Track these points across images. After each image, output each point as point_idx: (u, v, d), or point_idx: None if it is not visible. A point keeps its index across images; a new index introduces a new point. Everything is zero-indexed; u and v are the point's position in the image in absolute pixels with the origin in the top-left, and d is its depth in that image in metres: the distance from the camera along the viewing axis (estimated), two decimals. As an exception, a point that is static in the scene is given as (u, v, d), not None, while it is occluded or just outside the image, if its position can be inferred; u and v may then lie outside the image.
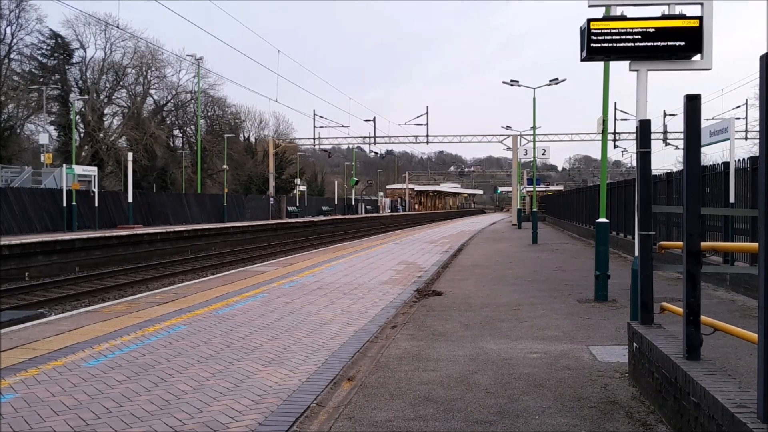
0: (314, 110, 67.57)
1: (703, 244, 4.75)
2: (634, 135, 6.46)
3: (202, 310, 9.77)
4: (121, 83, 61.63)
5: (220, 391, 5.57)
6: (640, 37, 7.83)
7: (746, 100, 54.95)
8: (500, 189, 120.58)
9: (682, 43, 7.77)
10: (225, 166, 54.67)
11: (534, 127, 33.64)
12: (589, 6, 8.17)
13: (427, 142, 61.31)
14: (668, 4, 7.91)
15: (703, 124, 6.30)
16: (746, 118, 54.55)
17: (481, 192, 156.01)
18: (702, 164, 10.74)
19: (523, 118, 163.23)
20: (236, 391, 5.60)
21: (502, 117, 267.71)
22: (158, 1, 28.90)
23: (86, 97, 52.69)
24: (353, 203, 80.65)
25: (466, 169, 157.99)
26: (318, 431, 4.72)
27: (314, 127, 60.46)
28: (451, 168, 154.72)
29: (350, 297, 11.21)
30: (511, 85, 34.04)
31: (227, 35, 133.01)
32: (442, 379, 6.04)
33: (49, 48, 55.66)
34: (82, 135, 55.79)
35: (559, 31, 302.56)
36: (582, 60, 8.26)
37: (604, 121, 11.67)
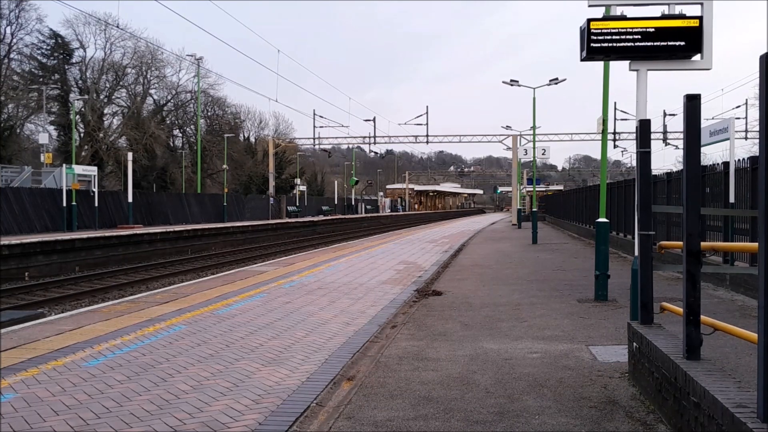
0: (314, 110, 67.66)
1: (703, 244, 4.75)
2: (634, 135, 6.46)
3: (202, 310, 9.77)
4: (121, 83, 61.61)
5: (220, 391, 5.57)
6: (639, 37, 7.83)
7: (746, 100, 55.05)
8: (500, 189, 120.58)
9: (682, 43, 7.77)
10: (225, 166, 54.64)
11: (534, 127, 33.64)
12: (589, 6, 8.17)
13: (427, 142, 61.41)
14: (668, 4, 7.91)
15: (703, 124, 6.30)
16: (746, 118, 54.61)
17: (481, 192, 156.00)
18: (702, 164, 10.75)
19: (523, 117, 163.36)
20: (236, 390, 5.60)
21: (502, 117, 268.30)
22: (158, 1, 28.92)
23: (86, 96, 52.67)
24: (353, 203, 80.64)
25: (466, 169, 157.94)
26: (318, 431, 4.72)
27: (314, 126, 60.59)
28: (451, 168, 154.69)
29: (350, 297, 11.21)
30: (511, 85, 34.04)
31: (227, 35, 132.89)
32: (442, 379, 6.03)
33: (48, 48, 55.64)
34: (82, 135, 55.76)
35: (559, 31, 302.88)
36: (582, 60, 8.26)
37: (604, 121, 11.67)
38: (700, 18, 7.75)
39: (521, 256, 20.25)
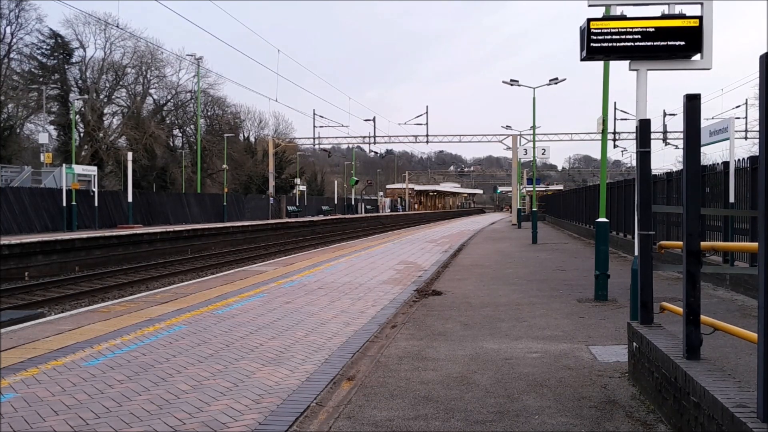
0: (314, 110, 67.65)
1: (702, 243, 4.75)
2: (634, 135, 6.46)
3: (202, 310, 9.76)
4: (120, 83, 61.60)
5: (220, 391, 5.57)
6: (639, 36, 7.83)
7: (746, 99, 55.07)
8: (500, 189, 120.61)
9: (682, 43, 7.77)
10: (225, 166, 54.63)
11: (534, 127, 33.63)
12: (589, 5, 8.17)
13: (427, 142, 61.47)
14: (668, 4, 7.90)
15: (703, 123, 6.30)
16: (746, 117, 54.63)
17: (480, 192, 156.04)
18: (702, 164, 10.75)
19: (523, 117, 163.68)
20: (236, 390, 5.60)
21: (502, 116, 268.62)
22: (158, 1, 28.91)
23: (86, 96, 52.64)
24: (353, 203, 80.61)
25: (466, 169, 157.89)
26: (318, 431, 4.72)
27: (314, 126, 60.62)
28: (451, 168, 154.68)
29: (350, 297, 11.21)
30: (511, 84, 34.03)
31: (227, 35, 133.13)
32: (441, 379, 6.04)
33: (48, 47, 55.60)
34: (81, 135, 55.74)
35: (559, 31, 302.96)
36: (582, 60, 8.26)
37: (604, 121, 11.67)
38: (700, 18, 7.75)
39: (521, 256, 20.25)
